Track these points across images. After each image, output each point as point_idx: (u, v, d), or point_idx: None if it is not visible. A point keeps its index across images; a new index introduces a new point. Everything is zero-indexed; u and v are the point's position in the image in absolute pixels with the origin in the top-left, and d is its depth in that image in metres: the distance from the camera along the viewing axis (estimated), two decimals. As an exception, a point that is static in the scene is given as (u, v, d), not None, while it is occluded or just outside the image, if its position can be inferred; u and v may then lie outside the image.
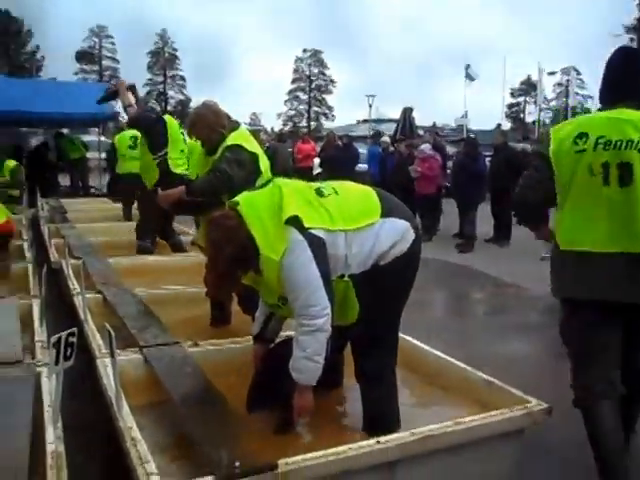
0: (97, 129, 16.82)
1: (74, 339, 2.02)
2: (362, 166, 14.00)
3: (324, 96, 62.60)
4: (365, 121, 37.27)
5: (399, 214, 2.41)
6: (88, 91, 15.23)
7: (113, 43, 57.92)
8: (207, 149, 3.55)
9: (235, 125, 3.51)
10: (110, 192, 8.88)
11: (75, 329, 2.02)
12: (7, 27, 52.96)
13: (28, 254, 5.19)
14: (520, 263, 7.28)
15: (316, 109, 62.64)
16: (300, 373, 2.21)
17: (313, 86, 62.09)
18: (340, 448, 1.96)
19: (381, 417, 2.38)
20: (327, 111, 62.80)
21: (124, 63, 58.05)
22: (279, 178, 2.47)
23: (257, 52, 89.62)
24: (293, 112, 62.55)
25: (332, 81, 62.08)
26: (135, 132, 7.47)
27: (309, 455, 1.90)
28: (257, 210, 2.23)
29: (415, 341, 3.12)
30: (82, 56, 56.91)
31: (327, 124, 57.68)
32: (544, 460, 2.70)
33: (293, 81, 62.05)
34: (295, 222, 2.15)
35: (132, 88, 5.38)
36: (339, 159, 13.08)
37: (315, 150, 14.39)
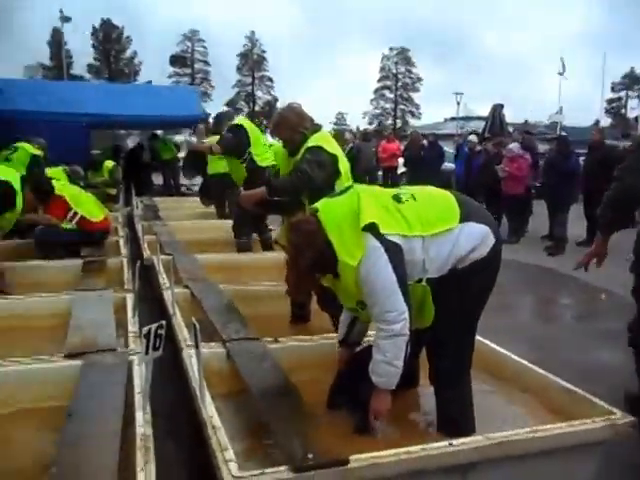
0: (189, 130, 17.54)
1: (163, 331, 2.15)
2: (448, 165, 13.78)
3: (410, 94, 62.08)
4: (453, 119, 36.62)
5: (479, 218, 2.39)
6: (180, 94, 15.98)
7: (205, 47, 60.22)
8: (289, 150, 3.66)
9: (317, 127, 3.59)
10: (202, 193, 9.18)
11: (164, 322, 2.16)
12: (109, 34, 56.27)
13: (123, 250, 5.50)
14: (613, 267, 6.91)
15: (402, 107, 62.20)
16: (379, 377, 2.26)
17: (399, 84, 61.67)
18: (412, 448, 1.98)
19: (455, 419, 2.37)
20: (413, 109, 62.26)
21: (214, 65, 60.26)
22: (358, 184, 2.52)
23: (343, 51, 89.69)
24: (379, 111, 62.47)
25: (419, 79, 61.45)
26: None
27: (380, 453, 1.94)
28: (335, 217, 2.30)
29: (494, 345, 3.07)
30: (176, 60, 59.52)
31: (413, 122, 57.18)
32: (625, 476, 2.58)
33: (379, 80, 62.00)
34: (372, 229, 2.20)
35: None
36: (424, 159, 12.95)
37: (400, 149, 14.30)
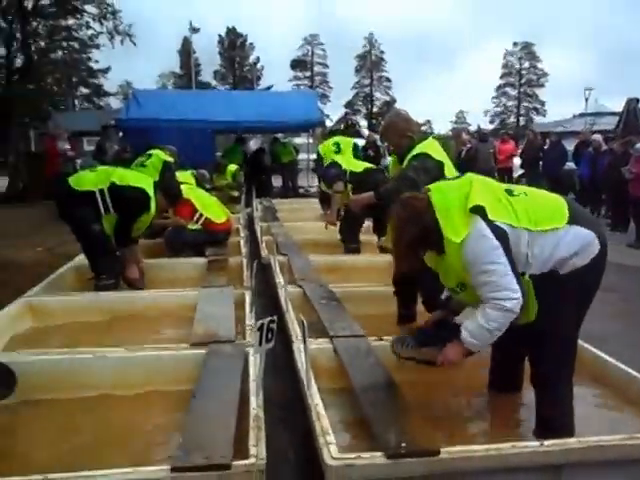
0: (307, 133, 18.11)
1: (274, 325, 2.39)
2: (570, 165, 13.12)
3: (535, 90, 59.37)
4: (582, 115, 34.57)
5: (586, 224, 2.42)
6: (300, 98, 16.52)
7: (324, 50, 61.41)
8: (398, 155, 3.81)
9: (425, 135, 3.73)
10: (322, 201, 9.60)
11: (275, 317, 2.40)
12: (234, 42, 59.04)
13: (244, 249, 5.90)
14: None
15: (526, 104, 59.63)
16: (473, 337, 2.37)
17: (523, 81, 59.19)
18: (502, 445, 2.07)
19: (552, 421, 2.41)
20: (538, 106, 59.46)
21: (333, 68, 61.27)
22: (472, 173, 2.63)
23: (463, 49, 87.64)
24: (501, 109, 60.34)
25: (544, 74, 58.60)
26: (338, 139, 8.14)
27: (471, 447, 2.05)
28: (445, 198, 2.42)
29: (601, 353, 3.04)
30: (296, 64, 61.25)
31: (538, 120, 54.58)
32: None
33: (501, 76, 59.88)
34: (480, 211, 2.30)
35: None
36: (544, 160, 12.45)
37: (516, 150, 13.85)
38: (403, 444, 2.04)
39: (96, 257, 4.55)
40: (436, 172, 3.47)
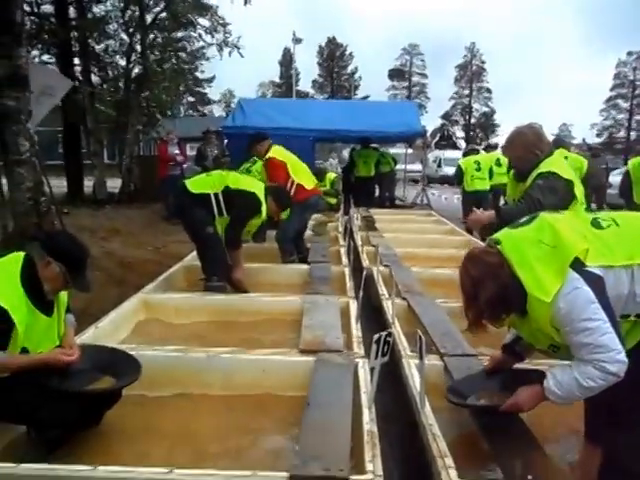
0: (405, 144, 17.96)
1: (390, 339, 2.36)
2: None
3: (649, 103, 55.74)
4: None
5: None
6: (401, 109, 16.40)
7: (423, 60, 60.96)
8: (517, 172, 3.50)
9: (550, 151, 3.40)
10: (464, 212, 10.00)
11: (392, 331, 2.36)
12: (333, 52, 59.89)
13: (344, 259, 5.90)
14: None
15: (639, 118, 56.12)
16: (559, 389, 2.04)
17: (637, 92, 55.75)
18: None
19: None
20: (653, 119, 55.78)
21: (432, 78, 60.67)
22: (545, 212, 2.30)
23: (568, 59, 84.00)
24: (610, 122, 57.14)
25: (662, 85, 54.92)
26: (478, 157, 9.76)
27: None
28: (523, 249, 2.10)
29: None
30: (394, 74, 61.13)
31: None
32: None
33: (612, 88, 56.70)
34: (575, 262, 1.99)
35: None
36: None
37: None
38: (530, 477, 1.93)
39: (209, 258, 4.71)
40: (564, 192, 3.21)
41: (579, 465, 2.34)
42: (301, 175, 6.02)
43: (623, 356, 1.92)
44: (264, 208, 4.67)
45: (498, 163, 9.74)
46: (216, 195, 4.60)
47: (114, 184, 14.77)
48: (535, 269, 2.02)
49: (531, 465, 2.03)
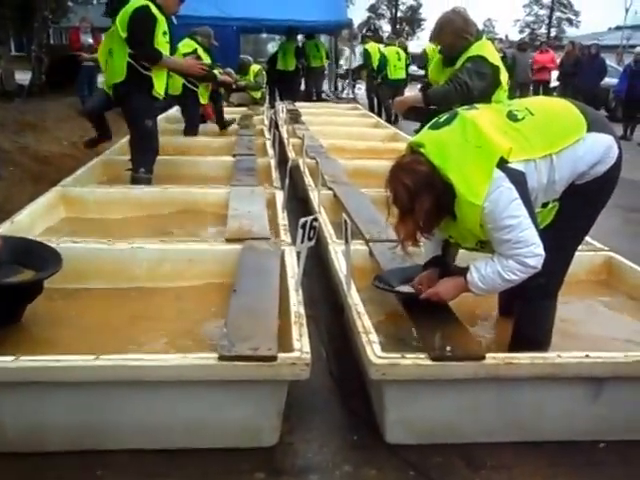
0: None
1: (316, 224, 2.35)
2: (609, 80, 12.55)
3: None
4: (618, 28, 32.81)
5: (602, 128, 2.16)
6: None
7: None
8: (447, 57, 3.51)
9: (479, 36, 3.40)
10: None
11: (317, 216, 2.35)
12: None
13: (270, 151, 5.76)
14: None
15: (559, 14, 56.45)
16: (482, 282, 2.11)
17: (559, -12, 55.76)
18: (548, 354, 2.08)
19: (529, 337, 2.31)
20: (572, 16, 56.27)
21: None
22: (463, 109, 2.22)
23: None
24: (532, 18, 57.25)
25: (582, -19, 55.10)
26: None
27: (516, 354, 2.05)
28: (448, 151, 2.05)
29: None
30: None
31: (570, 31, 51.91)
32: None
33: (535, -18, 56.35)
34: (500, 162, 1.98)
35: None
36: (582, 73, 11.94)
37: (554, 62, 13.20)
38: (448, 347, 2.03)
39: (140, 149, 4.51)
40: (491, 77, 3.25)
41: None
42: None
43: (541, 249, 2.00)
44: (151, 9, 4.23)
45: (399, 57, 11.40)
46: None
47: (24, 77, 13.55)
48: (464, 172, 2.00)
49: (451, 337, 2.13)
